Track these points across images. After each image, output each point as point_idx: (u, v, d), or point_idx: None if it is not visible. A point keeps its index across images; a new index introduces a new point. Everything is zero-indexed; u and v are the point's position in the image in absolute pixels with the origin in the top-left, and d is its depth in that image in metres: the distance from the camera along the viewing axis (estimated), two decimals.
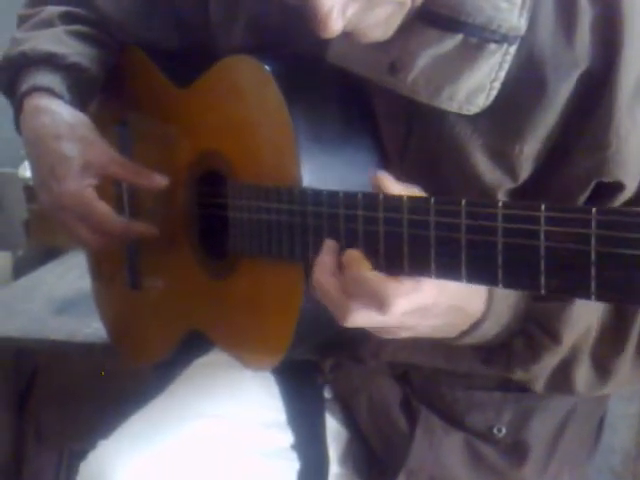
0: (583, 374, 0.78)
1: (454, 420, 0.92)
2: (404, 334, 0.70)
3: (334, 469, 0.96)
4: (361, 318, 0.66)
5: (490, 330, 0.74)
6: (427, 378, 0.92)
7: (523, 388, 0.90)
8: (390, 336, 0.70)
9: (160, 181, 0.95)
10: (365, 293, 0.64)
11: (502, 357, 0.78)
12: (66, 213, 0.93)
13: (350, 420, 0.97)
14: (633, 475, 1.37)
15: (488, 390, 0.92)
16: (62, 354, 1.36)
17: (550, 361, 0.77)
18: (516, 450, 0.94)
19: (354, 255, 0.67)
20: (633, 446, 1.36)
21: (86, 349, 1.30)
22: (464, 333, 0.74)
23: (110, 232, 0.94)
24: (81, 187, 0.92)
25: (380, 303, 0.63)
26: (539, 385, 0.80)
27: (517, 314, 0.75)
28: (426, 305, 0.66)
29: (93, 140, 0.94)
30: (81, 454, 0.90)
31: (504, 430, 0.92)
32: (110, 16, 1.02)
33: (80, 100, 0.98)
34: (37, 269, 1.67)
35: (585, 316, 0.75)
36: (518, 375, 0.79)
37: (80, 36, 1.01)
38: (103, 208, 0.93)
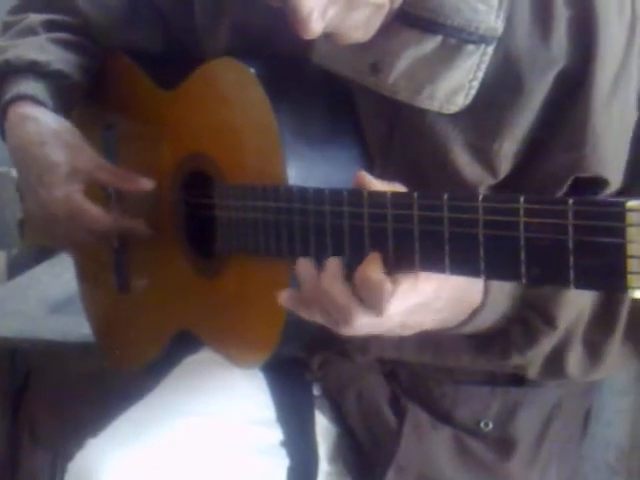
0: (575, 358, 0.80)
1: (442, 415, 0.94)
2: (408, 332, 0.71)
3: (323, 466, 0.97)
4: (361, 322, 0.67)
5: (488, 318, 0.76)
6: (415, 374, 0.94)
7: (510, 382, 0.92)
8: (396, 334, 0.71)
9: (146, 184, 0.96)
10: (368, 294, 0.65)
11: (499, 344, 0.80)
12: (55, 220, 0.94)
13: (339, 417, 0.97)
14: (628, 470, 1.38)
15: (475, 385, 0.93)
16: (57, 354, 1.36)
17: (546, 346, 0.79)
18: (503, 444, 0.95)
19: (373, 256, 0.67)
20: (628, 441, 1.37)
21: (81, 349, 1.30)
22: (463, 322, 0.75)
23: (102, 230, 0.96)
24: (69, 193, 0.93)
25: (378, 305, 0.65)
26: (533, 370, 0.82)
27: (513, 301, 0.77)
28: (426, 301, 0.67)
29: (78, 146, 0.95)
30: (73, 455, 0.90)
31: (491, 424, 0.94)
32: (94, 20, 1.03)
33: (63, 107, 0.99)
34: (32, 268, 1.66)
35: (578, 299, 0.77)
36: (514, 361, 0.81)
37: (63, 43, 1.02)
38: (92, 208, 0.94)
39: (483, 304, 0.74)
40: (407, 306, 0.66)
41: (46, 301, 1.47)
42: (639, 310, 0.79)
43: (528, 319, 0.78)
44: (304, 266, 0.71)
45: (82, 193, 0.94)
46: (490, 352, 0.81)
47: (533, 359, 0.81)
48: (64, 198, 0.93)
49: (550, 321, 0.77)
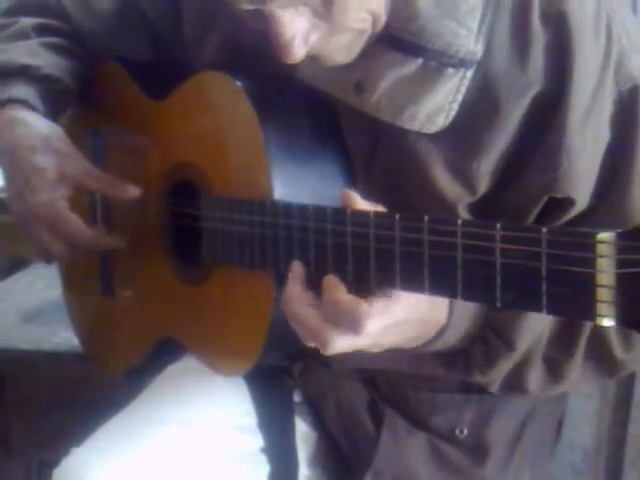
0: (536, 376, 0.83)
1: (418, 422, 0.96)
2: (377, 350, 0.74)
3: (303, 471, 0.98)
4: (340, 344, 0.69)
5: (452, 337, 0.78)
6: (392, 381, 0.96)
7: (484, 390, 0.94)
8: (370, 352, 0.73)
9: (133, 192, 0.97)
10: (342, 317, 0.67)
11: (462, 362, 0.82)
12: (38, 224, 0.95)
13: (319, 422, 0.99)
14: (594, 472, 1.40)
15: (450, 392, 0.95)
16: (30, 363, 1.36)
17: (505, 366, 0.82)
18: (478, 450, 0.97)
19: (331, 280, 0.69)
20: (593, 443, 1.39)
21: (54, 358, 1.31)
22: (429, 342, 0.77)
23: (80, 244, 0.96)
24: (54, 198, 0.93)
25: (354, 326, 0.66)
26: (495, 386, 0.85)
27: (475, 321, 0.79)
28: (397, 322, 0.69)
29: (67, 152, 0.96)
30: (51, 463, 0.91)
31: (466, 431, 0.96)
32: (85, 29, 1.04)
33: (54, 111, 1.00)
34: (5, 279, 1.66)
35: (537, 324, 0.80)
36: (476, 378, 0.83)
37: (54, 48, 1.02)
38: (74, 220, 0.95)
39: (447, 325, 0.76)
40: (384, 324, 0.68)
41: (19, 311, 1.47)
42: (600, 330, 0.82)
43: (488, 340, 0.80)
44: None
45: (66, 200, 0.95)
46: (454, 369, 0.84)
47: (494, 377, 0.83)
48: (49, 203, 0.93)
49: (509, 343, 0.80)
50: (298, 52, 0.73)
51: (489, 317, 0.80)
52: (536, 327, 0.80)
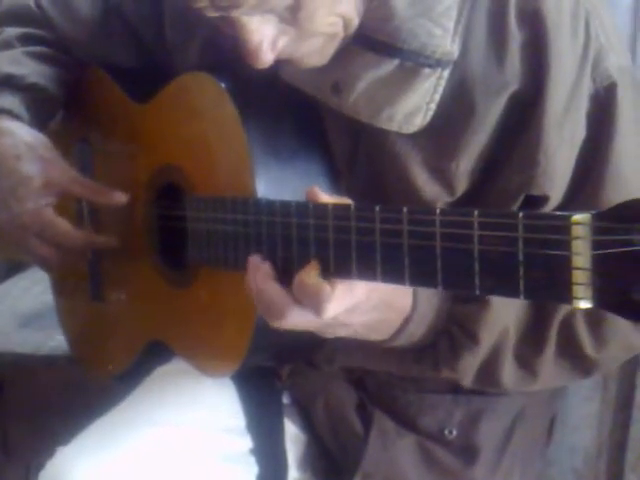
0: (508, 372, 0.83)
1: (407, 423, 0.96)
2: (340, 331, 0.74)
3: (292, 473, 0.98)
4: (298, 318, 0.69)
5: (417, 330, 0.78)
6: (381, 383, 0.96)
7: (472, 391, 0.94)
8: (328, 335, 0.74)
9: (119, 198, 0.97)
10: (306, 299, 0.68)
11: (430, 357, 0.82)
12: (26, 232, 0.95)
13: (308, 424, 0.99)
14: (595, 475, 1.40)
15: (439, 393, 0.95)
16: (27, 367, 1.36)
17: (472, 360, 0.81)
18: (467, 451, 0.97)
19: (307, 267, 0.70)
20: (594, 446, 1.39)
21: (51, 362, 1.31)
22: (396, 333, 0.77)
23: (71, 247, 0.97)
24: (40, 206, 0.94)
25: (316, 309, 0.67)
26: (467, 381, 0.85)
27: (440, 315, 0.79)
28: (359, 302, 0.69)
29: (52, 160, 0.96)
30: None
31: (455, 432, 0.96)
32: (68, 36, 1.04)
33: (39, 120, 1.00)
34: (2, 283, 1.67)
35: (501, 318, 0.80)
36: (445, 373, 0.83)
37: (38, 56, 1.03)
38: (62, 224, 0.95)
39: (412, 314, 0.76)
40: (345, 307, 0.68)
41: (16, 315, 1.48)
42: (570, 330, 0.82)
43: (453, 334, 0.80)
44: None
45: (53, 207, 0.95)
46: (423, 364, 0.83)
47: (463, 372, 0.83)
48: (35, 210, 0.94)
49: (473, 337, 0.80)
50: (266, 58, 0.73)
51: (453, 311, 0.80)
52: (500, 321, 0.80)
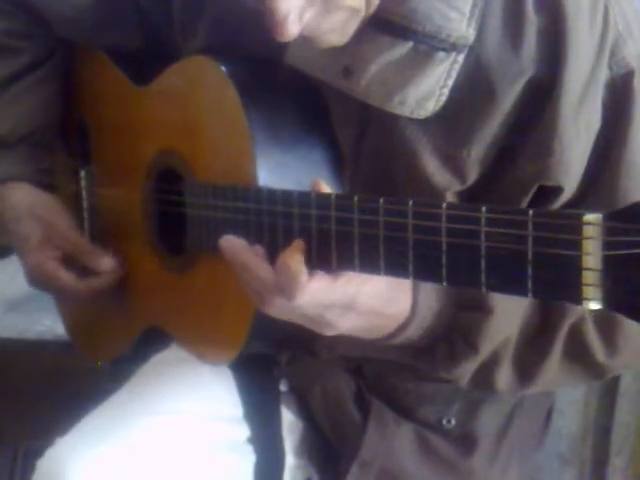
0: (504, 377, 0.82)
1: (405, 412, 0.95)
2: (327, 330, 0.73)
3: (290, 460, 0.97)
4: (277, 307, 0.70)
5: (414, 334, 0.77)
6: (379, 371, 0.95)
7: None
8: (316, 330, 0.74)
9: (107, 264, 1.03)
10: (283, 280, 0.68)
11: (427, 358, 0.81)
12: (38, 282, 1.06)
13: (305, 412, 0.99)
14: (580, 460, 1.40)
15: (438, 382, 0.94)
16: (13, 352, 1.38)
17: (469, 366, 0.80)
18: (465, 441, 0.97)
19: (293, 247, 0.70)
20: (580, 431, 1.39)
21: (38, 347, 1.33)
22: (391, 335, 0.77)
23: (74, 297, 1.05)
24: (41, 261, 1.03)
25: (287, 293, 0.67)
26: (463, 383, 0.84)
27: (441, 321, 0.78)
28: (342, 304, 0.69)
29: (51, 220, 1.04)
30: (37, 452, 0.91)
31: (453, 421, 0.96)
32: (70, 17, 1.02)
33: (42, 157, 1.07)
34: None
35: (504, 328, 0.78)
36: (441, 374, 0.82)
37: (21, 91, 1.05)
38: (64, 277, 1.03)
39: (410, 319, 0.76)
40: (319, 300, 0.68)
41: (3, 300, 1.49)
42: (580, 337, 0.80)
43: (453, 341, 0.79)
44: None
45: (55, 260, 1.03)
46: (420, 360, 0.83)
47: (459, 375, 0.82)
48: (38, 266, 1.03)
49: (472, 346, 0.78)
50: (292, 29, 0.70)
51: (456, 318, 0.78)
52: (502, 331, 0.78)
